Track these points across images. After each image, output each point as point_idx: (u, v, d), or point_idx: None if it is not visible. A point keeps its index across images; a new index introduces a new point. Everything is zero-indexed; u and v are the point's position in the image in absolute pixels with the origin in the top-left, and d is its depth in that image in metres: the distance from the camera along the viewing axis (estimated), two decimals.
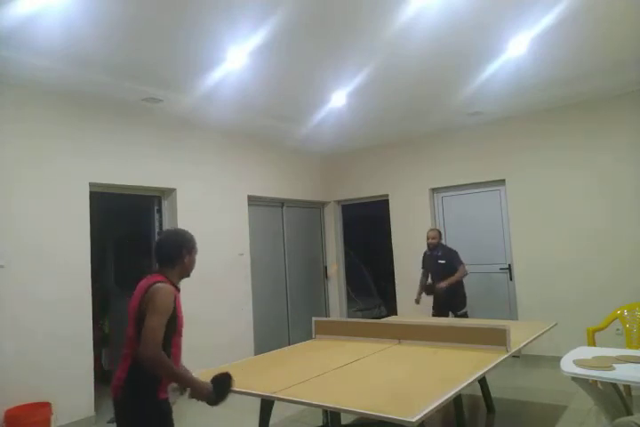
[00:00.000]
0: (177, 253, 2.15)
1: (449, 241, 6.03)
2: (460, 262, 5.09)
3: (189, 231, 2.27)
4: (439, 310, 5.08)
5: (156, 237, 2.29)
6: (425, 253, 5.42)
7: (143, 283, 2.09)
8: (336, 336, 3.63)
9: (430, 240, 5.22)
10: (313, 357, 3.19)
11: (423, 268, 5.44)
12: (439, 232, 5.30)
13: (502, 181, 5.69)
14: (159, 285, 2.03)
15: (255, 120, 5.27)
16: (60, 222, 3.99)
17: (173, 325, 2.03)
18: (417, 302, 5.33)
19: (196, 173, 5.17)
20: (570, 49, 3.78)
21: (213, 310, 4.95)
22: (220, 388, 2.06)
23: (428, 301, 5.31)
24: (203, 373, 2.75)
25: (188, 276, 2.23)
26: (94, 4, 2.76)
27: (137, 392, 1.99)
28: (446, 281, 4.96)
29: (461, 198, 6.08)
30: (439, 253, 5.16)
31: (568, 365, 2.72)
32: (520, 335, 3.29)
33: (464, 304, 5.06)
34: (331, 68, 3.94)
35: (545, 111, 5.33)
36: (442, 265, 5.09)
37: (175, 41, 3.31)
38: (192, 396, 2.01)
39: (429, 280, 5.32)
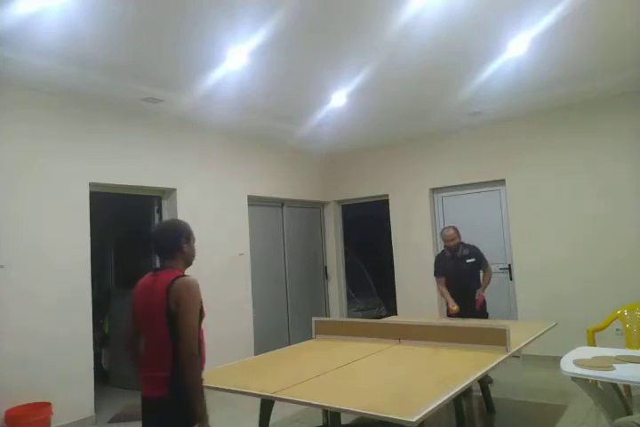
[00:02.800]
0: (175, 244, 2.10)
1: None
2: (487, 263, 4.48)
3: (185, 221, 2.23)
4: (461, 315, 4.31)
5: (153, 230, 2.23)
6: (442, 256, 4.59)
7: (157, 279, 2.02)
8: (336, 336, 3.63)
9: (450, 243, 4.39)
10: (313, 357, 3.20)
11: (440, 275, 4.54)
12: (456, 230, 4.45)
13: (502, 181, 5.69)
14: (184, 280, 1.98)
15: (255, 120, 5.27)
16: (60, 222, 3.99)
17: (199, 316, 2.03)
18: (453, 307, 4.32)
19: (196, 174, 5.17)
20: (569, 49, 3.78)
21: (213, 310, 4.94)
22: None
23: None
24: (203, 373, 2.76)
25: (190, 264, 2.19)
26: (94, 3, 2.76)
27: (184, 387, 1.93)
28: (482, 289, 4.40)
29: (461, 198, 6.08)
30: (465, 252, 4.43)
31: (568, 365, 2.72)
32: (520, 335, 3.29)
33: (484, 309, 4.48)
34: (331, 69, 3.94)
35: (545, 111, 5.33)
36: (471, 264, 4.41)
37: (175, 41, 3.31)
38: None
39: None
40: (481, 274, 4.56)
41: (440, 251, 4.78)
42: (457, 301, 4.37)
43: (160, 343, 1.98)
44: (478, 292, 4.43)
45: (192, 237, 2.19)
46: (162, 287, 1.98)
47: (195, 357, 1.93)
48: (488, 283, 4.53)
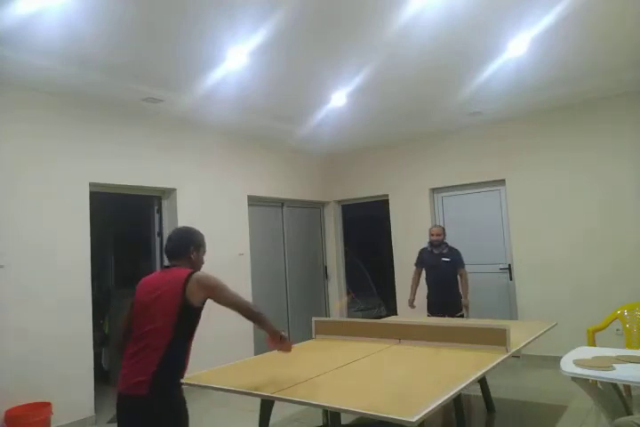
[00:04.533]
0: (184, 250, 2.23)
1: (449, 241, 6.03)
2: (464, 265, 5.02)
3: (200, 231, 2.35)
4: (435, 312, 4.90)
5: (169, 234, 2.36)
6: (424, 251, 5.21)
7: (168, 275, 2.12)
8: (336, 336, 3.63)
9: (435, 237, 5.03)
10: (313, 357, 3.19)
11: (419, 265, 5.23)
12: (443, 229, 5.16)
13: (502, 181, 5.69)
14: (201, 273, 2.14)
15: (255, 120, 5.27)
16: (60, 222, 3.99)
17: (197, 322, 2.14)
18: (411, 304, 5.14)
19: (196, 173, 5.17)
20: (569, 49, 3.79)
21: (213, 310, 4.95)
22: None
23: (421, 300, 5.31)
24: (203, 373, 2.76)
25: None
26: (94, 3, 2.76)
27: (165, 387, 1.99)
28: (467, 295, 4.92)
29: (461, 198, 6.08)
30: (444, 251, 5.02)
31: (568, 365, 2.72)
32: (520, 335, 3.29)
33: (460, 307, 4.92)
34: (331, 68, 3.94)
35: (545, 111, 5.33)
36: (446, 263, 4.97)
37: (175, 41, 3.31)
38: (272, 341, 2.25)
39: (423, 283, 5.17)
40: (459, 278, 5.03)
41: (424, 246, 5.30)
42: (434, 291, 5.02)
43: (157, 336, 2.02)
44: (463, 301, 4.93)
45: (203, 248, 2.33)
46: (178, 280, 2.06)
47: (259, 314, 2.18)
48: (467, 286, 5.02)
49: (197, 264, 2.27)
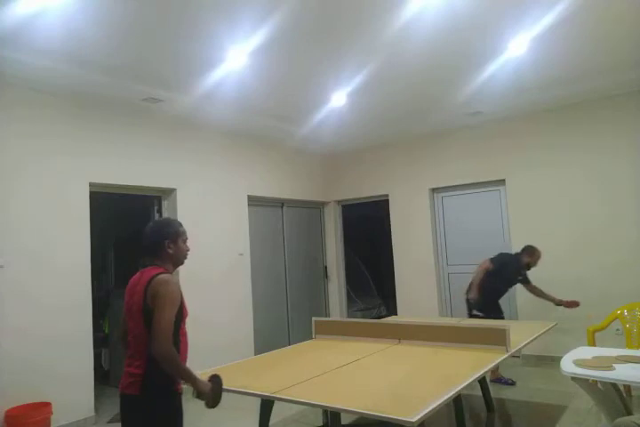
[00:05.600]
0: (159, 244, 2.10)
1: (449, 241, 6.04)
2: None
3: (177, 221, 2.23)
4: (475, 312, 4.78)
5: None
6: (512, 259, 4.87)
7: (142, 276, 2.05)
8: (336, 336, 3.64)
9: (536, 262, 4.80)
10: (313, 357, 3.19)
11: (492, 263, 4.82)
12: None
13: (502, 181, 5.69)
14: (162, 276, 1.99)
15: (255, 120, 5.27)
16: (60, 222, 3.99)
17: (180, 314, 2.01)
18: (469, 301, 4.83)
19: (196, 173, 5.17)
20: (570, 49, 3.79)
21: (213, 311, 4.95)
22: (217, 389, 2.06)
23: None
24: (203, 373, 2.76)
25: (181, 264, 2.18)
26: (94, 3, 2.76)
27: (156, 387, 1.98)
28: (552, 296, 4.87)
29: (461, 198, 6.08)
30: (524, 273, 4.87)
31: (568, 365, 2.72)
32: (520, 335, 3.29)
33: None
34: (331, 68, 3.94)
35: (545, 111, 5.33)
36: (517, 280, 4.89)
37: (175, 41, 3.32)
38: (197, 395, 2.01)
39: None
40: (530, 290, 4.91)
41: (516, 257, 4.88)
42: (497, 295, 4.80)
43: (139, 340, 2.00)
44: (561, 300, 4.76)
45: (181, 237, 2.16)
46: (143, 284, 2.00)
47: (166, 355, 1.88)
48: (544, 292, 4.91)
49: (178, 256, 2.14)
